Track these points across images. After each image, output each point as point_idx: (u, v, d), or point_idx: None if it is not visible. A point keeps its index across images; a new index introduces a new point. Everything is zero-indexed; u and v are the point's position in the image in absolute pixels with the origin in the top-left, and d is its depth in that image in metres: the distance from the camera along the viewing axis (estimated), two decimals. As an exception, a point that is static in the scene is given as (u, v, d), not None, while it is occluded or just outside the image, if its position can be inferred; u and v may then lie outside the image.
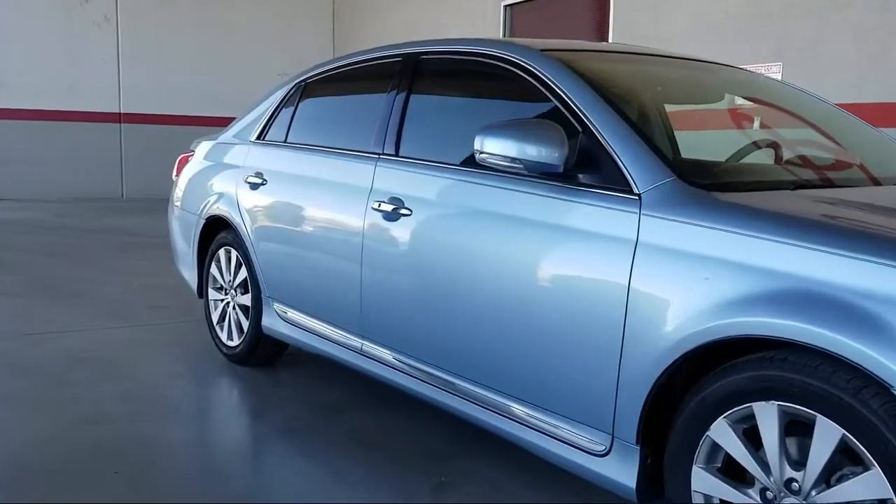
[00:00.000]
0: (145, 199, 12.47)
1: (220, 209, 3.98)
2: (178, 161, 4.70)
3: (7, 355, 4.08)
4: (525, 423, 2.42)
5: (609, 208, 2.16)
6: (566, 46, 2.84)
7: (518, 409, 2.42)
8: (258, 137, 3.93)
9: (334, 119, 3.61)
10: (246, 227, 3.75)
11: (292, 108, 3.79)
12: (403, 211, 2.81)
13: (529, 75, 2.58)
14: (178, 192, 4.56)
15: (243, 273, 3.88)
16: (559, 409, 2.30)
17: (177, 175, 4.67)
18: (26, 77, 12.04)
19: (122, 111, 12.73)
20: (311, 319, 3.40)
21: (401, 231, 2.82)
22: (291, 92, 3.85)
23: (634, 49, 3.21)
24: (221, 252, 4.05)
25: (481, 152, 2.34)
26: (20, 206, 11.05)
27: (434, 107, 3.05)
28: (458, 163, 2.73)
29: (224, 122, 13.33)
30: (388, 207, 2.87)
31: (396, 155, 2.99)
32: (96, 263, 6.83)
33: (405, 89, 3.06)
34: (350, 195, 3.11)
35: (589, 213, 2.20)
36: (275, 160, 3.72)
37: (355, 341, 3.12)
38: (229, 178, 3.98)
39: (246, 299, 3.87)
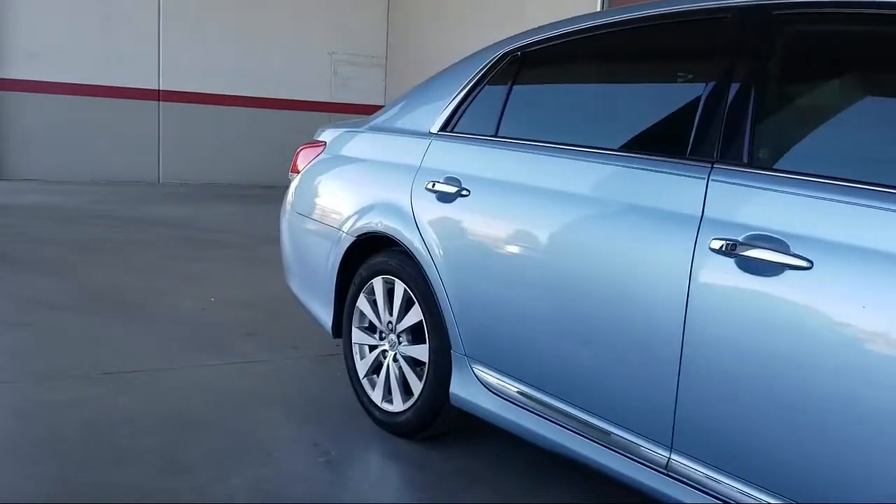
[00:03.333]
0: (184, 184, 11.38)
1: (382, 225, 2.86)
2: (297, 153, 3.58)
3: (86, 412, 2.97)
4: None
5: None
6: None
7: None
8: (444, 128, 2.80)
9: (593, 106, 2.48)
10: (429, 252, 2.64)
11: (503, 90, 2.66)
12: (792, 260, 1.68)
13: None
14: (301, 194, 3.45)
15: (416, 315, 2.76)
16: None
17: (295, 171, 3.55)
18: (60, 48, 10.92)
19: (161, 88, 11.60)
20: (554, 401, 2.28)
21: (792, 295, 1.69)
22: (497, 66, 2.72)
23: None
24: (377, 282, 2.94)
25: None
26: (51, 188, 9.95)
27: (828, 91, 1.93)
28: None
29: (273, 104, 12.22)
30: (753, 251, 1.75)
31: (748, 164, 1.87)
32: (155, 265, 5.72)
33: (753, 63, 1.94)
34: (655, 224, 1.99)
35: None
36: (481, 162, 2.59)
37: (655, 453, 2.00)
38: (396, 183, 2.86)
39: (420, 352, 2.76)
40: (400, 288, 2.83)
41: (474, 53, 2.86)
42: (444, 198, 2.62)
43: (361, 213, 2.99)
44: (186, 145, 11.73)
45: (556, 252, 2.24)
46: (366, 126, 3.26)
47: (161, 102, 11.61)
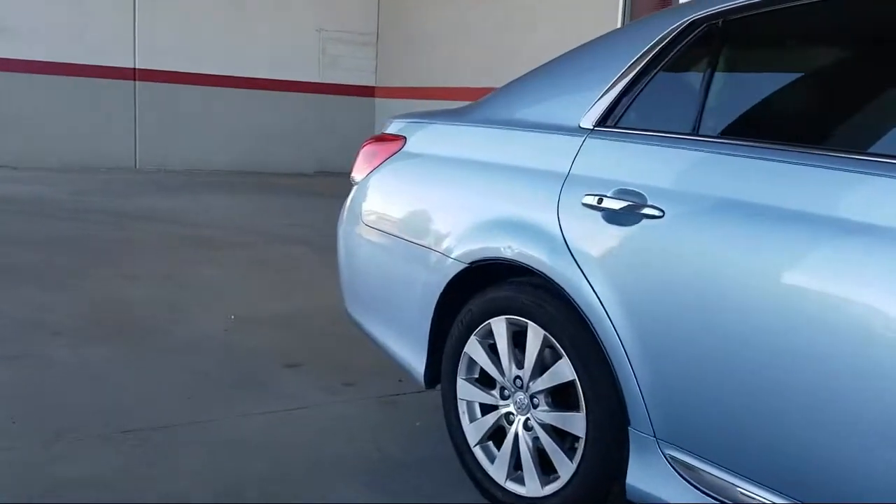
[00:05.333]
0: (163, 171, 10.47)
1: (512, 250, 2.12)
2: (361, 149, 2.82)
3: (110, 496, 2.20)
4: None
5: None
6: None
7: None
8: (602, 122, 2.05)
9: (871, 97, 1.75)
10: (594, 291, 1.91)
11: (700, 71, 1.93)
12: None
13: None
14: (373, 202, 2.69)
15: (563, 371, 2.03)
16: None
17: (360, 172, 2.80)
18: (25, 22, 9.91)
19: (137, 66, 10.65)
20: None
21: None
22: (684, 39, 1.97)
23: None
24: (498, 323, 2.20)
25: None
26: (20, 176, 9.00)
27: None
28: None
29: (257, 84, 11.29)
30: None
31: None
32: (157, 271, 4.90)
33: None
34: None
35: None
36: (679, 170, 1.86)
37: None
38: (532, 195, 2.13)
39: (569, 422, 2.03)
40: (536, 334, 2.10)
41: (637, 22, 2.12)
42: (618, 218, 1.88)
43: (476, 232, 2.24)
44: (165, 129, 10.83)
45: (817, 301, 1.52)
46: (465, 118, 2.51)
47: (137, 82, 10.68)
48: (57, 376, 3.08)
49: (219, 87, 11.06)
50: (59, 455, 2.44)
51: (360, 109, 11.94)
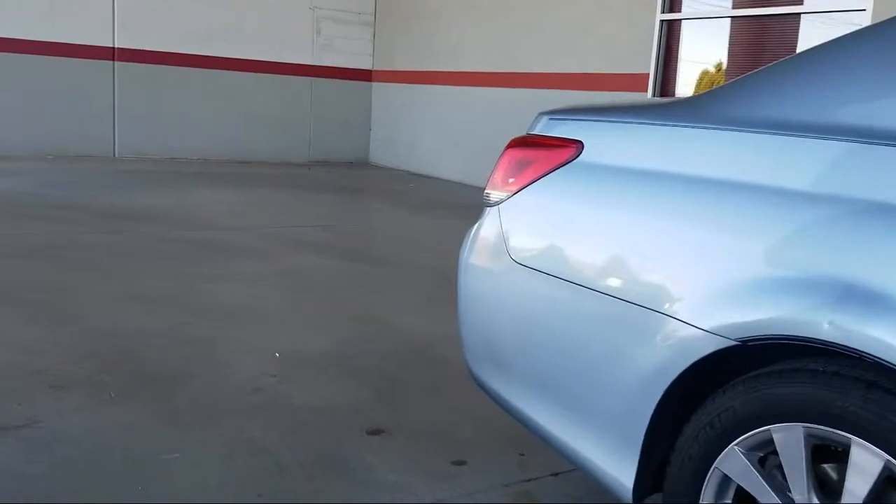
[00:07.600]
0: (145, 159, 9.54)
1: (839, 327, 1.33)
2: (505, 157, 2.02)
3: None
4: None
5: None
6: None
7: None
8: None
9: None
10: None
11: None
12: None
13: None
14: (538, 234, 1.90)
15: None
16: None
17: (502, 188, 2.00)
18: (-7, -6, 8.88)
19: (116, 46, 9.69)
20: None
21: None
22: None
23: None
24: (789, 433, 1.42)
25: None
26: (-12, 166, 8.00)
27: None
28: None
29: (247, 67, 10.34)
30: None
31: None
32: (164, 290, 4.03)
33: None
34: None
35: None
36: None
37: None
38: (867, 241, 1.34)
39: None
40: (870, 458, 1.32)
41: None
42: None
43: (753, 294, 1.46)
44: (146, 113, 9.89)
45: None
46: (696, 117, 1.70)
47: (116, 62, 9.71)
48: (75, 462, 2.23)
49: (205, 69, 10.14)
50: None
51: (356, 94, 11.11)
